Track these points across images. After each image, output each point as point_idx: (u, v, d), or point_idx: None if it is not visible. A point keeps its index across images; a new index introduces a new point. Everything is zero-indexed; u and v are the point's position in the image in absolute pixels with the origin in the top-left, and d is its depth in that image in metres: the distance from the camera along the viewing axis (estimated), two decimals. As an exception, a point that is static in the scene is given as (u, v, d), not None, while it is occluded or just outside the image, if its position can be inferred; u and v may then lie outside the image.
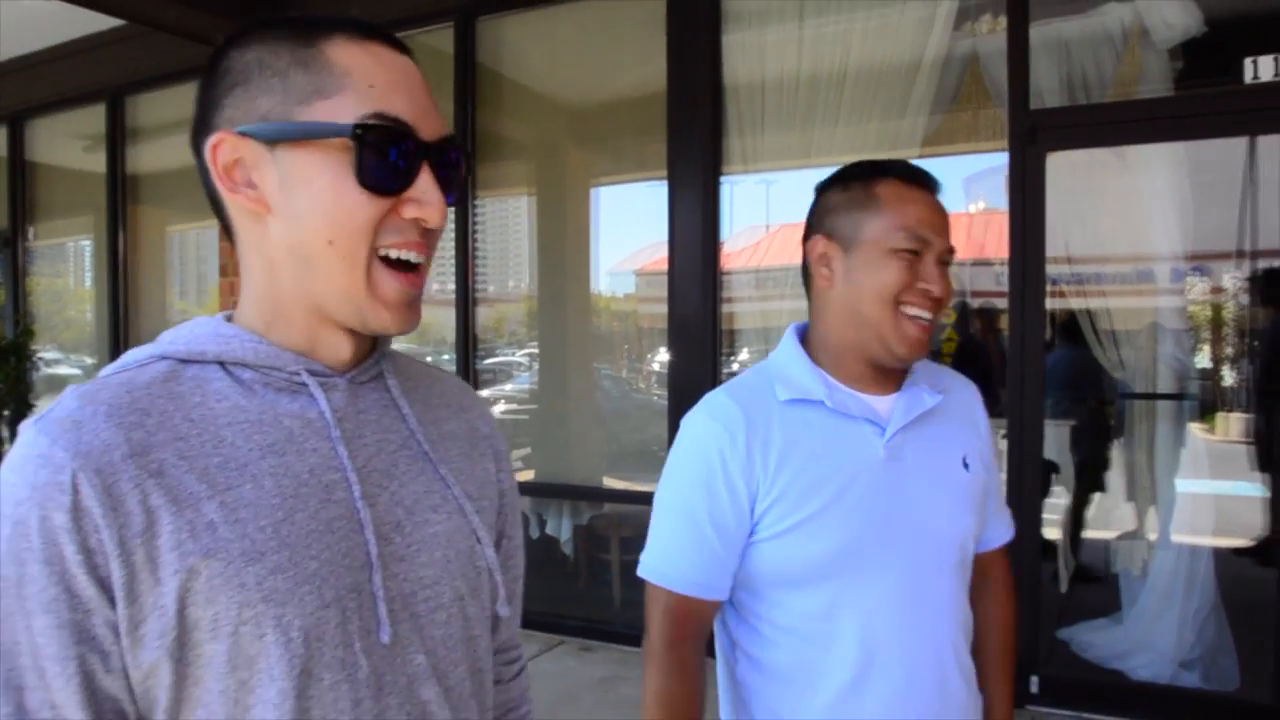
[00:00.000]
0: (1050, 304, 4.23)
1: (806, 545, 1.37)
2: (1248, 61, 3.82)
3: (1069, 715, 3.94)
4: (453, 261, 5.42)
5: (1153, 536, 4.50)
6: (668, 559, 1.42)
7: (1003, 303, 4.51)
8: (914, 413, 1.44)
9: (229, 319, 0.92)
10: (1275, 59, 3.79)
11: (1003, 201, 4.31)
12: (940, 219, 1.41)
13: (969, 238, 5.07)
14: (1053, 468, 4.64)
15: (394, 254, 0.86)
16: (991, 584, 1.62)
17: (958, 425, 1.51)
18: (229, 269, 5.95)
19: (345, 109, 0.83)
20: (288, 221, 0.85)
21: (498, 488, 1.06)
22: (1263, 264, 5.16)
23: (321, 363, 0.90)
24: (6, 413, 6.69)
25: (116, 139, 6.94)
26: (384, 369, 0.97)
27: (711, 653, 1.49)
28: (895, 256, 1.38)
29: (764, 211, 5.03)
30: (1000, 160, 4.27)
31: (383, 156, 0.83)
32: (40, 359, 7.22)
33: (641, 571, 1.45)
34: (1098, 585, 4.82)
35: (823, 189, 1.50)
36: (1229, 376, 4.88)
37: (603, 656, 4.74)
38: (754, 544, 1.40)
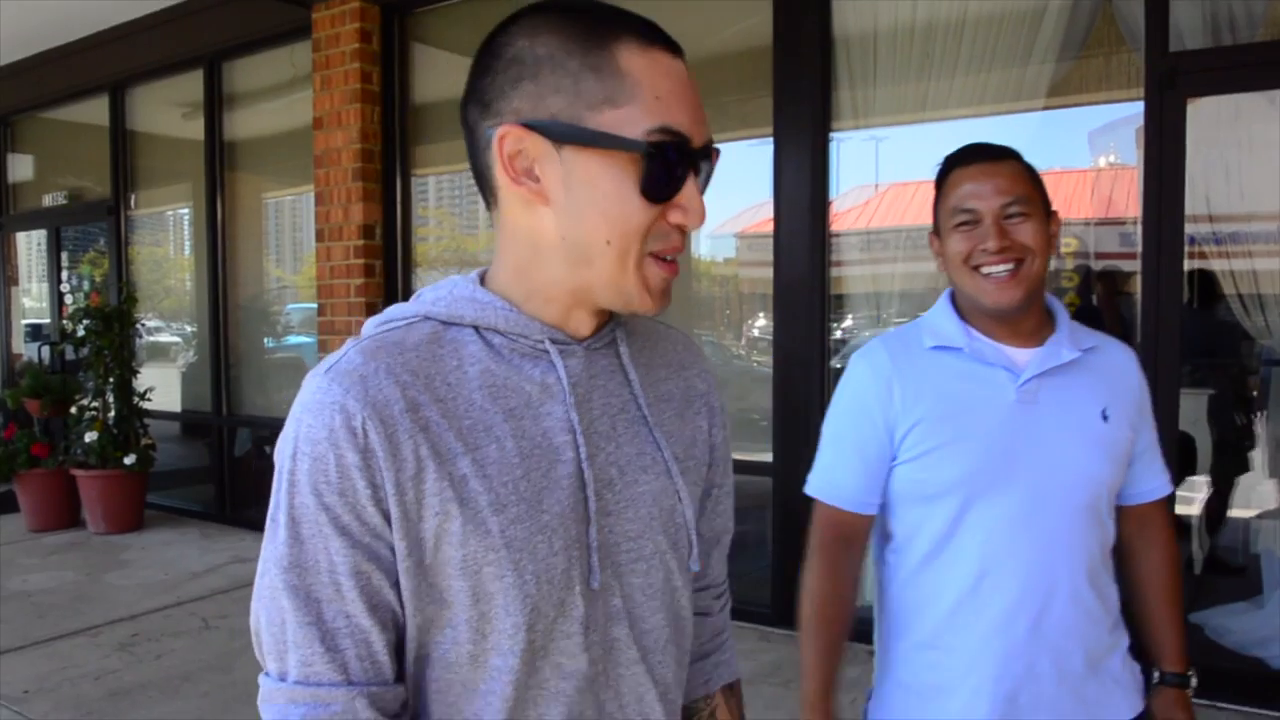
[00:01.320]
0: (1188, 264, 3.92)
1: (937, 468, 1.59)
2: None
3: (1202, 704, 3.68)
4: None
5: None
6: (825, 478, 1.71)
7: (1130, 265, 4.22)
8: (1049, 364, 1.60)
9: (482, 280, 1.00)
10: None
11: (1133, 155, 4.02)
12: (988, 184, 1.59)
13: (1094, 194, 4.75)
14: (1189, 442, 4.33)
15: (659, 252, 0.94)
16: (1151, 532, 1.77)
17: (1101, 381, 1.65)
18: (325, 234, 5.93)
19: (634, 119, 0.89)
20: (566, 217, 0.92)
21: (709, 442, 1.14)
22: None
23: (563, 330, 0.99)
24: (112, 379, 6.80)
25: (214, 105, 6.98)
26: (617, 335, 1.04)
27: None
28: (955, 230, 1.62)
29: (874, 170, 4.79)
30: (1133, 110, 3.98)
31: (664, 169, 0.90)
32: (143, 326, 7.33)
33: (808, 490, 1.73)
34: (1236, 567, 4.51)
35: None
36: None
37: (703, 631, 4.60)
38: (895, 466, 1.65)
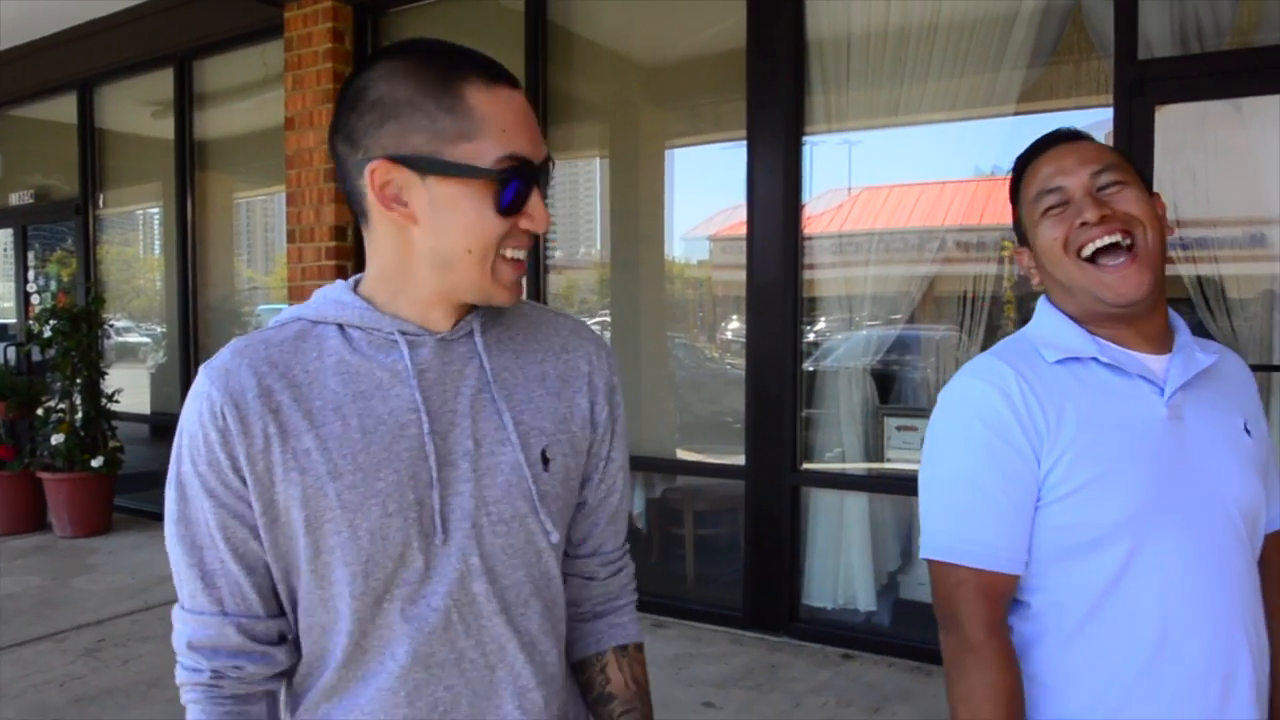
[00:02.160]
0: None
1: (1096, 507, 1.29)
2: (1380, 6, 3.53)
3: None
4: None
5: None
6: (966, 535, 1.33)
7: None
8: (1191, 371, 1.35)
9: (355, 285, 1.19)
10: None
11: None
12: (1071, 158, 1.39)
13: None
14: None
15: (510, 253, 1.14)
16: (1268, 569, 1.45)
17: (1233, 390, 1.43)
18: (296, 235, 5.89)
19: (485, 150, 1.08)
20: (432, 234, 1.11)
21: (589, 418, 1.26)
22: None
23: (422, 326, 1.16)
24: (80, 380, 6.72)
25: (184, 104, 6.92)
26: (474, 327, 1.19)
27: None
28: (1044, 218, 1.39)
29: (846, 173, 4.80)
30: (1103, 116, 4.02)
31: (512, 188, 1.09)
32: (111, 327, 7.25)
33: (933, 554, 1.36)
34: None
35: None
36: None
37: (676, 633, 4.62)
38: (1040, 508, 1.32)
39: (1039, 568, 1.34)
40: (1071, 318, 1.40)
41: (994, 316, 4.60)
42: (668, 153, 5.46)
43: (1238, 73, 3.89)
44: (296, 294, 5.92)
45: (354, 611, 1.11)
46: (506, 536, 1.16)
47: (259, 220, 7.43)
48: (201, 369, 1.12)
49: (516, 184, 1.09)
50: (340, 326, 1.15)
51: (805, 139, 4.56)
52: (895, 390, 4.90)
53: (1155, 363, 1.36)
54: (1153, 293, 1.33)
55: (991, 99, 4.32)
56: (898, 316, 4.66)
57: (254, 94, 6.70)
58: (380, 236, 1.15)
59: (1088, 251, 1.32)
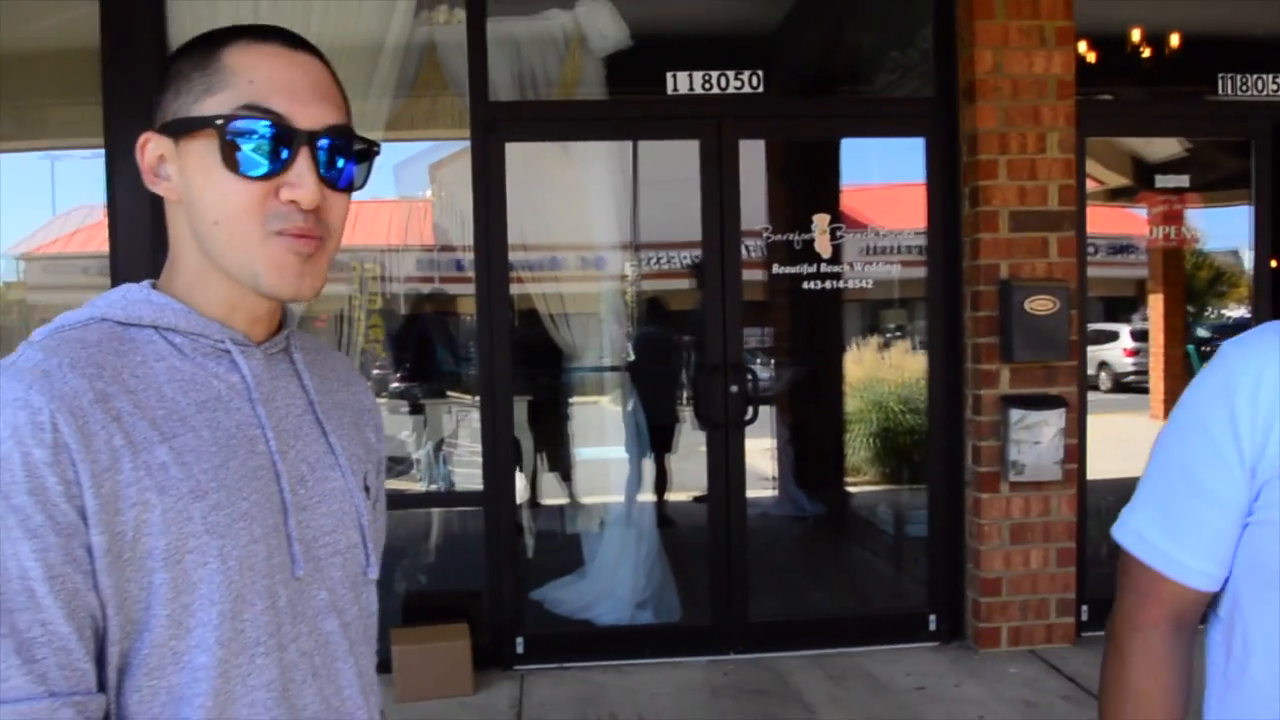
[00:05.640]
0: (513, 289, 4.49)
1: None
2: (669, 75, 4.41)
3: (552, 667, 4.25)
4: None
5: (603, 499, 5.01)
6: (1147, 522, 1.12)
7: (464, 288, 4.71)
8: None
9: (155, 287, 1.01)
10: (690, 75, 4.42)
11: (465, 188, 4.47)
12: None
13: (429, 224, 5.20)
14: (515, 442, 4.92)
15: (284, 232, 0.94)
16: None
17: None
18: None
19: (223, 104, 0.92)
20: (188, 207, 0.96)
21: (376, 455, 1.19)
22: (686, 255, 5.75)
23: (239, 331, 1.00)
24: None
25: None
26: (290, 344, 1.08)
27: None
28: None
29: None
30: (464, 147, 4.45)
31: (249, 143, 0.92)
32: None
33: (1115, 530, 1.16)
34: (563, 546, 5.20)
35: None
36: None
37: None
38: (1250, 525, 1.06)
39: (1259, 592, 1.07)
40: None
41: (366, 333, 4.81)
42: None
43: (564, 120, 4.62)
44: None
45: (219, 664, 0.90)
46: (344, 568, 1.04)
47: None
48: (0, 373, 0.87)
49: (251, 137, 0.91)
50: (157, 329, 0.96)
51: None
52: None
53: None
54: None
55: (361, 124, 4.46)
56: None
57: None
58: (171, 230, 1.00)
59: None
